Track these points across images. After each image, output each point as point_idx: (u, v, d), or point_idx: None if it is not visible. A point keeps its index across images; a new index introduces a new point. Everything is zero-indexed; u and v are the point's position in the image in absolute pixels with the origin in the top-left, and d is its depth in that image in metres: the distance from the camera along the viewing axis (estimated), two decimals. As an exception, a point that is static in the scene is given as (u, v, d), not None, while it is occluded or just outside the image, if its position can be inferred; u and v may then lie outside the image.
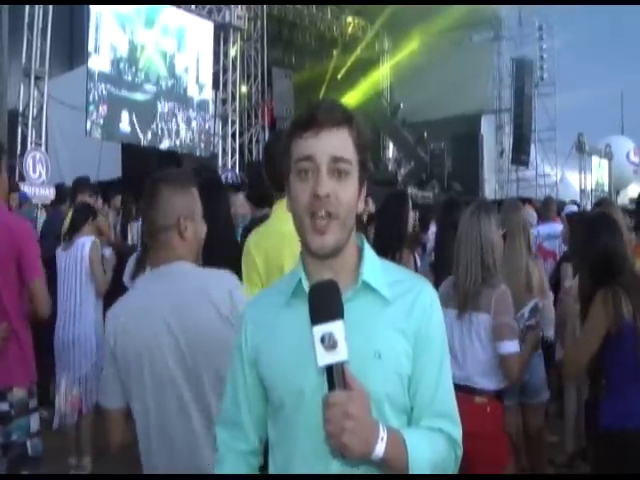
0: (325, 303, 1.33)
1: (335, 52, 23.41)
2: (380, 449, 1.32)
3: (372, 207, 6.70)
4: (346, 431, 1.27)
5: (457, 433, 1.49)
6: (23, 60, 12.60)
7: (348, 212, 1.45)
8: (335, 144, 1.44)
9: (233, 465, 1.60)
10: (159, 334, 2.14)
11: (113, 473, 4.56)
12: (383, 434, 1.33)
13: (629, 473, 2.80)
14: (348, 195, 1.45)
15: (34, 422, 3.36)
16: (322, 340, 1.29)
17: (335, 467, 1.39)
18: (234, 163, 17.06)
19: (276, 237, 3.06)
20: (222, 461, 1.61)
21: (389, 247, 4.24)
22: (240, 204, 5.55)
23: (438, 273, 4.02)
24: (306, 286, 1.47)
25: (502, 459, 3.22)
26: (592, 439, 3.18)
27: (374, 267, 1.52)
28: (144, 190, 2.31)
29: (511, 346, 3.14)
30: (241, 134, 17.58)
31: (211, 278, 2.22)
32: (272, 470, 1.54)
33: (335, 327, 1.30)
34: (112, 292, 4.90)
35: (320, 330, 1.30)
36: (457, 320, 3.24)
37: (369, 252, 1.54)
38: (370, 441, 1.31)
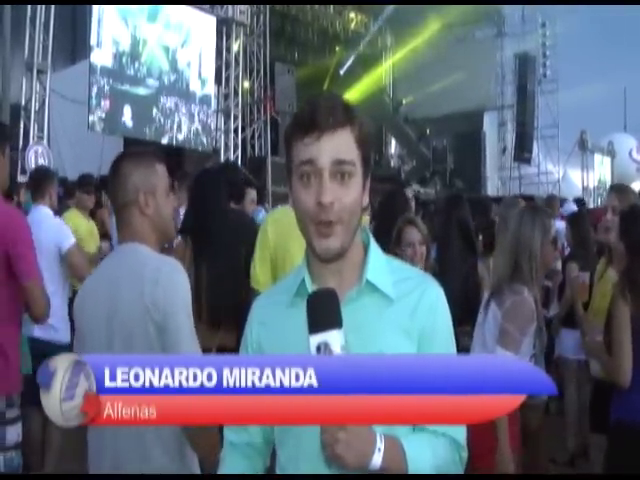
0: (321, 312, 1.31)
1: (338, 48, 23.39)
2: (377, 461, 1.29)
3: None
4: (340, 442, 1.25)
5: (461, 436, 1.46)
6: (25, 54, 12.59)
7: (352, 214, 1.42)
8: (337, 147, 1.39)
9: (234, 461, 1.58)
10: (97, 316, 2.12)
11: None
12: (380, 445, 1.29)
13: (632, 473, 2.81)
14: (352, 198, 1.41)
15: (11, 434, 3.02)
16: (318, 350, 1.28)
17: (337, 470, 1.35)
18: (236, 158, 17.04)
19: (291, 219, 3.11)
20: (224, 457, 1.59)
21: (388, 245, 4.23)
22: (250, 200, 5.56)
23: (441, 270, 4.00)
24: (309, 286, 1.46)
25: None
26: (602, 430, 3.20)
27: (379, 265, 1.49)
28: (119, 163, 2.25)
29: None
30: (243, 129, 17.56)
31: (151, 265, 2.11)
32: (277, 470, 1.53)
33: (331, 337, 1.28)
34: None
35: (316, 340, 1.28)
36: (483, 308, 3.27)
37: (374, 249, 1.52)
38: (366, 453, 1.28)
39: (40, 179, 5.03)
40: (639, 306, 2.94)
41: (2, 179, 3.26)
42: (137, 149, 2.46)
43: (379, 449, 1.29)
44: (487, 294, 3.34)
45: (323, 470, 1.38)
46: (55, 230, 4.65)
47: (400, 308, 1.46)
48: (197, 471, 2.13)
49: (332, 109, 1.41)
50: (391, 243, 3.48)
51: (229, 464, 1.58)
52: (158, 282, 2.05)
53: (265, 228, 3.18)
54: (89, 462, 2.18)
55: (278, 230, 3.13)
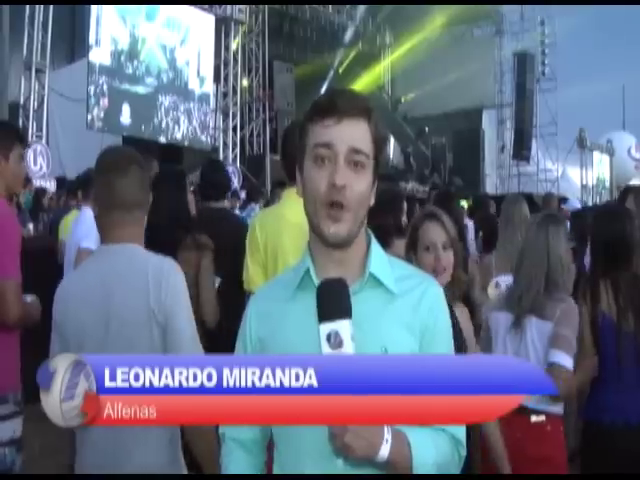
0: (333, 301, 1.32)
1: (336, 46, 23.37)
2: (385, 451, 1.30)
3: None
4: (349, 432, 1.26)
5: (461, 433, 1.46)
6: (24, 53, 12.60)
7: (361, 204, 1.43)
8: (355, 135, 1.41)
9: (239, 456, 1.57)
10: (88, 320, 2.04)
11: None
12: (388, 436, 1.30)
13: (628, 473, 2.81)
14: (362, 187, 1.43)
15: (4, 430, 2.94)
16: (328, 338, 1.28)
17: (340, 466, 1.37)
18: (235, 157, 17.05)
19: (279, 220, 3.08)
20: (230, 453, 1.58)
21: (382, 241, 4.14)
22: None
23: None
24: (314, 277, 1.46)
25: None
26: None
27: (381, 261, 1.50)
28: (108, 163, 2.19)
29: (561, 357, 2.86)
30: (242, 128, 17.57)
31: (153, 265, 2.06)
32: (276, 468, 1.52)
33: (342, 326, 1.29)
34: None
35: (326, 328, 1.29)
36: (513, 328, 3.02)
37: (376, 246, 1.53)
38: (374, 443, 1.29)
39: (88, 181, 5.06)
40: (594, 308, 2.98)
41: (8, 183, 3.24)
42: (117, 148, 2.43)
43: (387, 440, 1.30)
44: (509, 317, 3.02)
45: (324, 467, 1.39)
46: (85, 230, 4.72)
47: (403, 303, 1.46)
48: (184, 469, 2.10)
49: (353, 96, 1.45)
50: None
51: (235, 460, 1.57)
52: (161, 282, 2.01)
53: (254, 230, 3.17)
54: (77, 460, 2.13)
55: (267, 231, 3.12)
